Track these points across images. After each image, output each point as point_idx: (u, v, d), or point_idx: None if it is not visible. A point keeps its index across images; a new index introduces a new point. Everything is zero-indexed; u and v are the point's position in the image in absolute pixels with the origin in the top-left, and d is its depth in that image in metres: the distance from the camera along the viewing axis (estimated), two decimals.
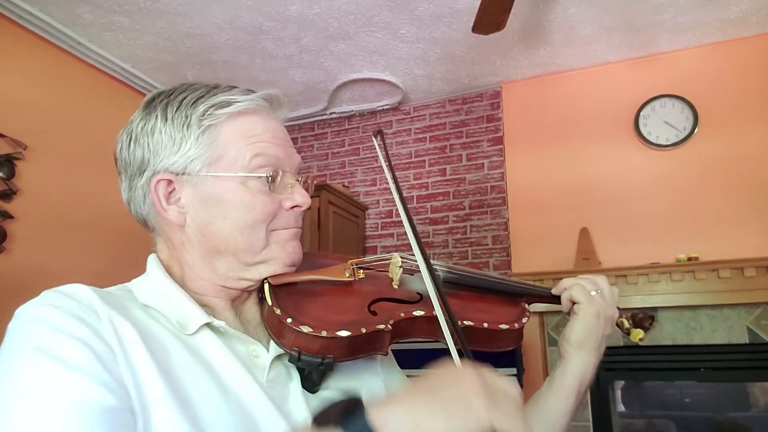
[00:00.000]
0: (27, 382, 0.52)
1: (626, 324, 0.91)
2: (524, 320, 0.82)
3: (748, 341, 2.62)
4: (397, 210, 3.45)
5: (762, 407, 2.93)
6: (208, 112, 0.69)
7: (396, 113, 3.67)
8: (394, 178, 0.73)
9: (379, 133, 0.81)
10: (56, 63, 2.75)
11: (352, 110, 3.69)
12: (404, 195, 3.52)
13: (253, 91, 0.73)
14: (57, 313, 0.57)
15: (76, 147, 2.77)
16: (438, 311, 0.65)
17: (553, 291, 0.90)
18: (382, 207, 3.61)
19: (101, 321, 0.59)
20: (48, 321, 0.57)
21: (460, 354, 0.57)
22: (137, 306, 0.66)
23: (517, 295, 0.89)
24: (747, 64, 2.89)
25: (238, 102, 0.70)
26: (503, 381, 0.50)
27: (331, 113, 3.72)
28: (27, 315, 0.58)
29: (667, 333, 2.76)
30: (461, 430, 0.45)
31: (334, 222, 3.17)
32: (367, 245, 3.58)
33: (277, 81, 3.26)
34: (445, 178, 3.46)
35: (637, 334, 0.89)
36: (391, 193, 3.55)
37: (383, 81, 3.33)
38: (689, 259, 2.71)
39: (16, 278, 2.36)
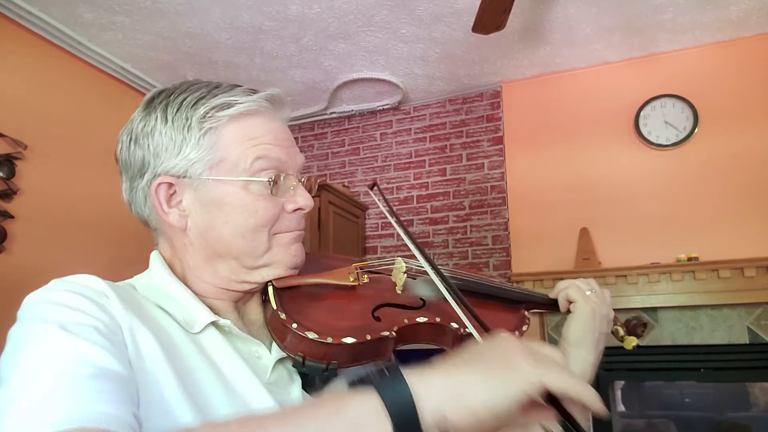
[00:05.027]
0: (32, 345, 0.52)
1: (620, 332, 0.93)
2: (524, 328, 0.82)
3: (748, 341, 2.62)
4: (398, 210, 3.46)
5: (762, 407, 2.93)
6: (209, 114, 0.67)
7: (396, 113, 3.67)
8: (400, 223, 0.75)
9: (374, 185, 0.81)
10: (56, 63, 2.75)
11: (352, 110, 3.68)
12: (404, 195, 3.53)
13: (255, 91, 0.71)
14: (67, 294, 0.58)
15: (76, 147, 2.76)
16: (452, 303, 0.65)
17: (551, 294, 0.90)
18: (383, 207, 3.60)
19: (112, 305, 0.59)
20: (57, 300, 0.57)
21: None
22: (144, 301, 0.65)
23: (517, 301, 0.88)
24: (747, 64, 2.89)
25: (240, 103, 0.68)
26: (544, 346, 0.49)
27: (331, 113, 3.72)
28: (35, 299, 0.58)
29: (667, 333, 2.75)
30: (508, 390, 0.44)
31: (334, 222, 3.17)
32: (367, 245, 3.57)
33: (277, 81, 3.25)
34: (445, 178, 3.46)
35: (631, 342, 0.93)
36: (392, 192, 3.57)
37: (383, 81, 3.32)
38: (689, 259, 2.71)
39: (16, 278, 2.35)
